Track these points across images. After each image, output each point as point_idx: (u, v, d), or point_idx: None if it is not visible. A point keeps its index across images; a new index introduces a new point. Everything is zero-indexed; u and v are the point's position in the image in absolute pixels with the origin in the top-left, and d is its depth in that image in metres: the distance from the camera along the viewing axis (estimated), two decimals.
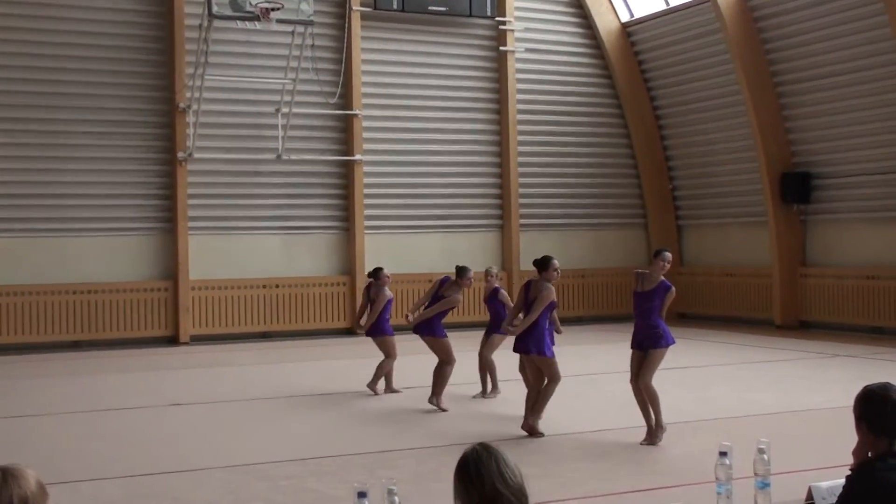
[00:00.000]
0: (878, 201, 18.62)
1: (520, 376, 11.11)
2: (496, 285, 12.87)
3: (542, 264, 10.34)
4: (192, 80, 18.72)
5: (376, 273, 12.88)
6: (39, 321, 18.14)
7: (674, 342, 9.62)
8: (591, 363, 14.94)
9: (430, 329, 11.85)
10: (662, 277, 9.60)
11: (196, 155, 19.02)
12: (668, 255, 9.71)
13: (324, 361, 16.03)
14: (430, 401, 11.44)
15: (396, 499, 3.87)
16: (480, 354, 12.36)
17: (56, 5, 18.36)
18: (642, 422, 10.19)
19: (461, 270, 12.14)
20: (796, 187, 19.53)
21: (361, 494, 3.89)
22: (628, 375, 12.89)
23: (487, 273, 13.12)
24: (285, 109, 19.38)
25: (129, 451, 9.47)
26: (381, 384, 12.62)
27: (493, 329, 12.36)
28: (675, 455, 8.99)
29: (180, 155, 18.91)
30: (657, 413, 9.44)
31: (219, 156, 19.45)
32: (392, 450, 9.32)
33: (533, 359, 9.98)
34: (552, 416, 10.98)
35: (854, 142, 18.83)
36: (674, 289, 9.67)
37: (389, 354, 12.60)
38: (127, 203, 18.94)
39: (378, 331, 12.64)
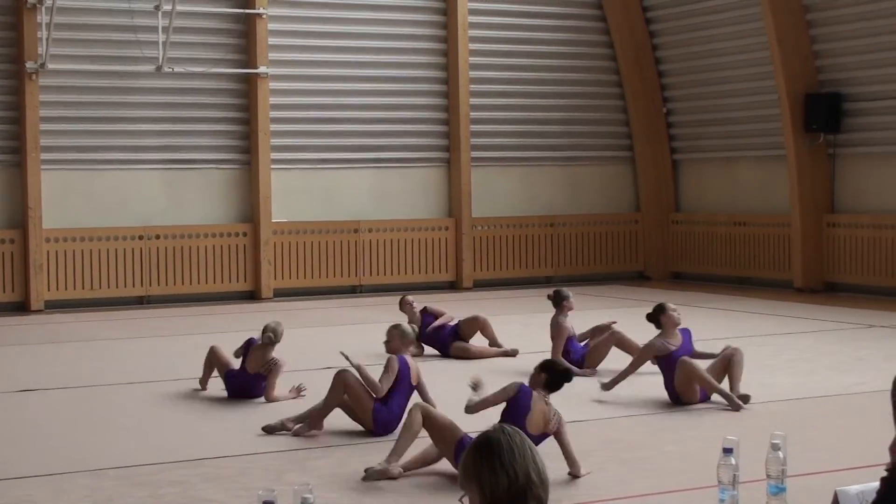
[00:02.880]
0: None
1: None
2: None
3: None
4: None
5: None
6: None
7: None
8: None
9: None
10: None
11: (50, 66, 18.78)
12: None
13: (217, 334, 15.97)
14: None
15: None
16: None
17: None
18: (623, 412, 10.35)
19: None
20: (823, 113, 19.69)
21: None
22: (610, 352, 12.98)
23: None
24: (167, 6, 19.16)
25: None
26: None
27: None
28: (667, 452, 9.11)
29: (30, 66, 18.65)
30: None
31: (81, 67, 19.25)
32: (306, 447, 9.34)
33: None
34: None
35: (895, 56, 18.99)
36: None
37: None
38: None
39: None
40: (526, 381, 8.48)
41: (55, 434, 10.08)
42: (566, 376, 8.58)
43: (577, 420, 10.26)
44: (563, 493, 7.48)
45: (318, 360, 12.97)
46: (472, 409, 8.66)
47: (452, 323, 14.23)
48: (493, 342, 14.15)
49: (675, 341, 11.03)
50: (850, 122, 19.80)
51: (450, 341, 14.07)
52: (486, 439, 3.44)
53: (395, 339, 10.06)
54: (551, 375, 8.50)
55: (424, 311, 14.38)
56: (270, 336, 11.42)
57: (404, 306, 14.57)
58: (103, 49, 19.46)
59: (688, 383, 10.73)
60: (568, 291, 13.45)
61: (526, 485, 3.34)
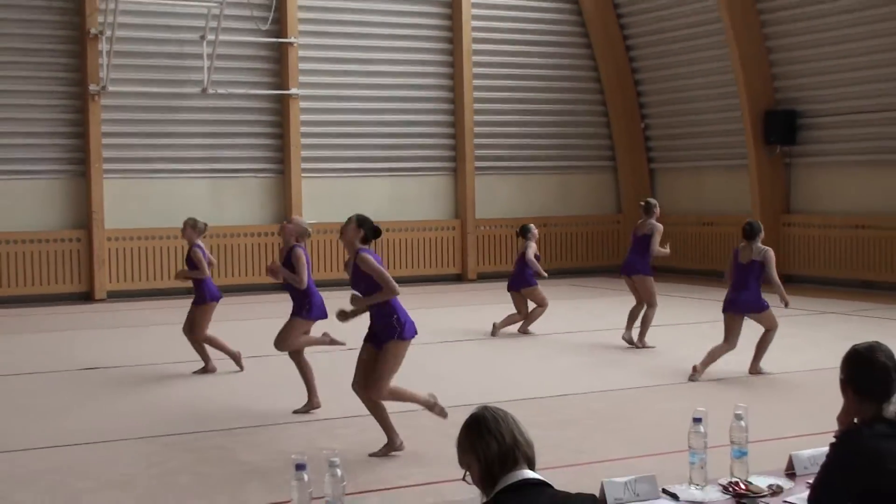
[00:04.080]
0: (869, 142, 18.83)
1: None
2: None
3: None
4: (104, 2, 18.44)
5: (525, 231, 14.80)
6: None
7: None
8: (555, 323, 15.02)
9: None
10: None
11: (110, 88, 18.79)
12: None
13: (256, 321, 15.98)
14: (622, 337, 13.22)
15: (339, 471, 3.90)
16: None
17: None
18: (611, 385, 10.34)
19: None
20: (780, 127, 19.69)
21: (300, 467, 3.91)
22: (596, 335, 13.03)
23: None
24: (211, 37, 19.17)
25: (37, 421, 9.41)
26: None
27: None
28: (645, 422, 9.11)
29: (93, 88, 18.66)
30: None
31: (136, 89, 19.22)
32: (333, 417, 9.35)
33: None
34: (509, 378, 11.09)
35: (845, 77, 18.96)
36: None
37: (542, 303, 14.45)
38: (33, 142, 18.72)
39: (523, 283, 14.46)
40: None
41: (112, 406, 10.10)
42: (378, 232, 8.67)
43: (566, 394, 10.29)
44: (550, 457, 7.48)
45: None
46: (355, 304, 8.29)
47: None
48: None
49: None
50: (804, 135, 19.79)
51: None
52: (472, 417, 3.48)
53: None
54: (368, 229, 8.52)
55: None
56: None
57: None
58: (156, 73, 19.45)
59: None
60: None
61: (514, 445, 3.38)
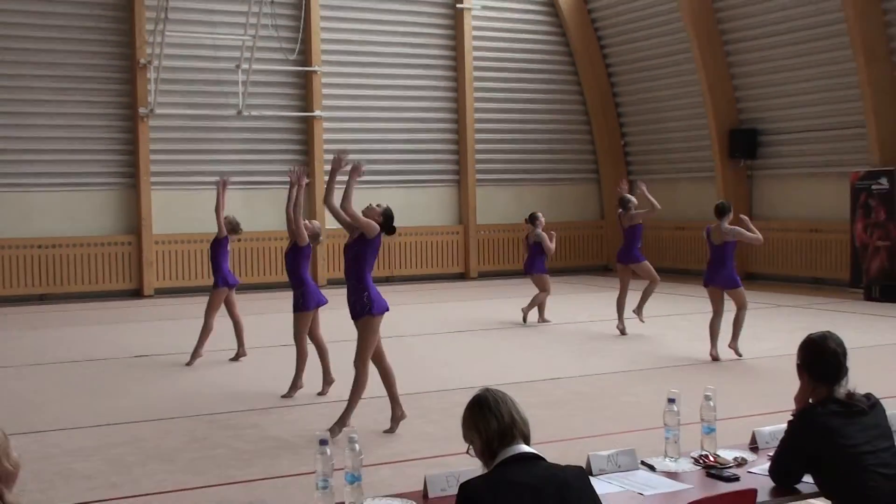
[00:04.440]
0: (820, 157, 18.82)
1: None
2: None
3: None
4: (152, 35, 18.46)
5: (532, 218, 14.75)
6: (5, 275, 17.94)
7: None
8: (546, 314, 14.99)
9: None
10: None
11: (157, 111, 18.81)
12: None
13: (285, 314, 15.97)
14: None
15: (357, 446, 3.90)
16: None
17: None
18: (596, 370, 10.34)
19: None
20: (743, 143, 19.68)
21: (323, 442, 3.92)
22: (582, 326, 13.05)
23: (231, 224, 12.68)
24: (245, 65, 19.18)
25: (94, 402, 9.43)
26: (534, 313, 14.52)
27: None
28: (625, 402, 9.11)
29: (142, 110, 18.68)
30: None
31: (180, 111, 19.23)
32: None
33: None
34: (507, 364, 11.09)
35: (798, 99, 18.97)
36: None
37: (544, 289, 14.50)
38: (90, 158, 18.73)
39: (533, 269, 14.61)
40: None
41: (158, 389, 10.11)
42: (393, 230, 8.46)
43: (557, 377, 10.29)
44: (542, 433, 7.48)
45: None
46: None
47: None
48: None
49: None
50: (764, 150, 19.77)
51: None
52: (475, 398, 3.48)
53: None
54: (387, 223, 8.30)
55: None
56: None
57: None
58: (197, 98, 19.46)
59: None
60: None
61: (511, 423, 3.39)
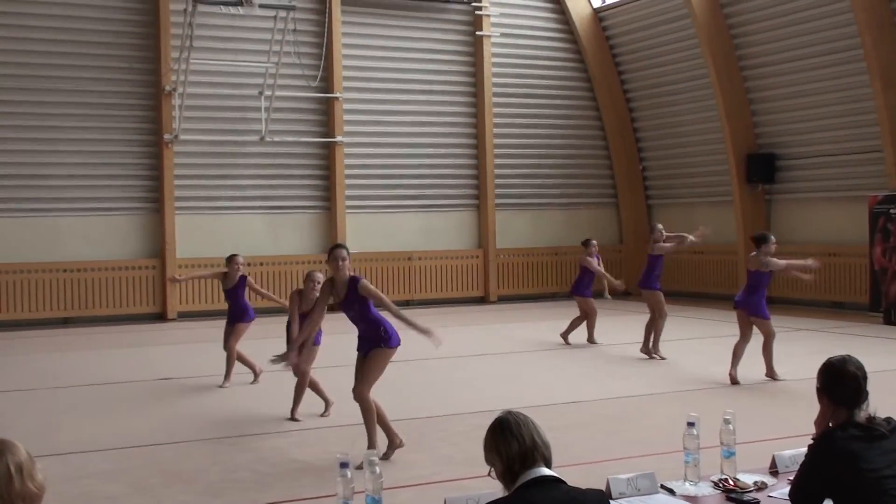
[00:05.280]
0: (838, 181, 18.73)
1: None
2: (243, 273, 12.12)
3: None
4: (177, 63, 18.61)
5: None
6: (31, 299, 18.05)
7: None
8: (594, 335, 14.97)
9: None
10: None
11: (182, 137, 18.93)
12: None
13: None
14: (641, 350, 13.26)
15: (377, 469, 3.89)
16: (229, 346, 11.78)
17: None
18: (615, 393, 10.26)
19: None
20: (761, 168, 19.62)
21: (343, 465, 3.91)
22: (601, 349, 12.99)
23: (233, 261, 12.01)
24: (268, 92, 19.30)
25: (118, 424, 9.44)
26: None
27: (235, 319, 11.82)
28: (645, 426, 9.05)
29: (167, 137, 18.80)
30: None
31: (204, 137, 19.35)
32: None
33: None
34: (527, 387, 11.05)
35: (816, 124, 18.91)
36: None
37: (591, 312, 14.78)
38: (115, 184, 18.85)
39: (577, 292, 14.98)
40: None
41: (182, 411, 10.12)
42: None
43: (577, 401, 10.24)
44: (562, 456, 7.44)
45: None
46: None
47: None
48: None
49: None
50: (782, 175, 19.71)
51: None
52: (497, 421, 3.46)
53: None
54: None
55: None
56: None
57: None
58: (220, 124, 19.58)
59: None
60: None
61: (533, 446, 3.36)
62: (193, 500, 6.82)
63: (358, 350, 8.04)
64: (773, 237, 11.67)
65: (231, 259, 11.91)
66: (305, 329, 8.43)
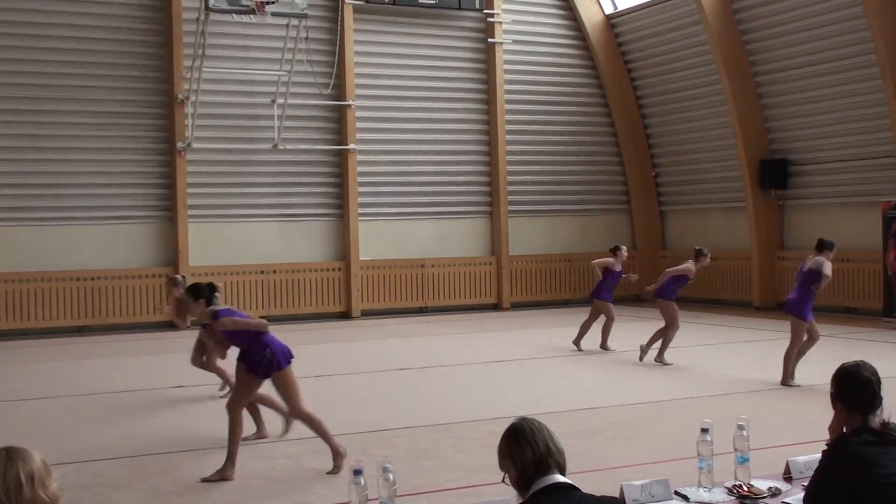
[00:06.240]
0: (851, 186, 18.68)
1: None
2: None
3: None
4: (190, 72, 18.67)
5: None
6: (44, 307, 18.11)
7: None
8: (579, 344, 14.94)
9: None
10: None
11: (195, 145, 18.99)
12: None
13: (319, 344, 16.03)
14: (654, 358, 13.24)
15: (391, 476, 3.89)
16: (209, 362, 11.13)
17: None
18: (629, 400, 10.24)
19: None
20: (774, 174, 19.58)
21: (357, 472, 3.91)
22: (615, 355, 12.94)
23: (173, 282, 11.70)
24: (281, 100, 19.35)
25: (132, 432, 9.47)
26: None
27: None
28: (659, 432, 9.03)
29: (179, 145, 18.87)
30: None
31: (217, 146, 19.41)
32: (386, 429, 9.34)
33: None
34: (541, 393, 11.04)
35: (828, 129, 18.87)
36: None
37: (609, 318, 14.69)
38: (128, 192, 18.92)
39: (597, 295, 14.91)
40: None
41: (195, 419, 10.11)
42: (213, 288, 8.16)
43: (591, 407, 10.22)
44: (575, 462, 7.42)
45: (389, 363, 12.97)
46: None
47: None
48: None
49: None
50: (795, 180, 19.65)
51: None
52: (511, 427, 3.46)
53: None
54: (206, 296, 8.02)
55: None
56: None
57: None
58: (233, 132, 19.64)
59: None
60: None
61: (547, 453, 3.36)
62: None
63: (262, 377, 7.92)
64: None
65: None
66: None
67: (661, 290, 13.74)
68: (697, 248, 14.01)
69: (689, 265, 13.65)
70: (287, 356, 7.85)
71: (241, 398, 7.94)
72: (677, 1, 20.81)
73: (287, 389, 7.86)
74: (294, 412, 7.93)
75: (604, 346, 14.70)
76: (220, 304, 8.21)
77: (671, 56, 21.63)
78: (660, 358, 13.23)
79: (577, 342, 14.78)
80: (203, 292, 7.99)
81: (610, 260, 14.94)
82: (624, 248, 15.27)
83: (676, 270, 13.76)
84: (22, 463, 2.71)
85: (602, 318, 14.83)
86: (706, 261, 13.72)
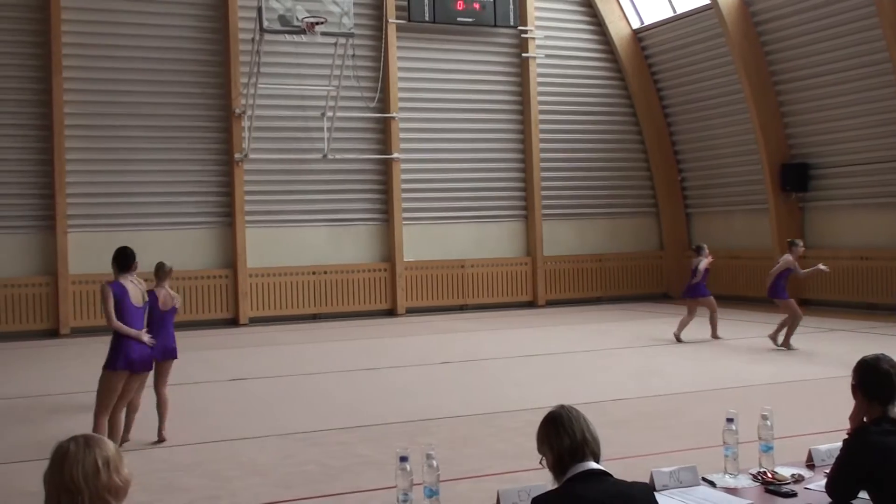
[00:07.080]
0: (869, 188, 18.42)
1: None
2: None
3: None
4: (246, 88, 18.83)
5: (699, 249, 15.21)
6: (98, 308, 18.26)
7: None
8: (610, 339, 14.88)
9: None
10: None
11: (251, 156, 19.14)
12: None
13: (367, 340, 16.09)
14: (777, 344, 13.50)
15: (434, 462, 3.90)
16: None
17: (127, 24, 18.51)
18: (654, 392, 10.17)
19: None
20: (795, 177, 19.35)
21: (403, 458, 3.92)
22: (643, 350, 12.86)
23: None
24: (330, 113, 19.46)
25: (196, 421, 9.56)
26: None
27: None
28: (686, 422, 8.96)
29: (237, 156, 19.02)
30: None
31: (271, 156, 19.54)
32: (430, 418, 9.34)
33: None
34: (574, 385, 11.00)
35: (847, 134, 18.62)
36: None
37: (712, 310, 14.84)
38: (190, 200, 19.10)
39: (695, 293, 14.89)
40: None
41: (253, 408, 10.21)
42: (129, 258, 8.30)
43: (621, 398, 10.17)
44: (606, 450, 7.38)
45: (433, 357, 12.97)
46: None
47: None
48: None
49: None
50: (815, 183, 19.42)
51: None
52: (551, 415, 3.43)
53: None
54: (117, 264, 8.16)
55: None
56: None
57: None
58: (286, 143, 19.75)
59: None
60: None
61: (583, 441, 3.34)
62: (266, 492, 6.88)
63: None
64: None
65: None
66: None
67: (773, 292, 13.79)
68: (789, 240, 14.38)
69: (787, 257, 13.73)
70: (125, 363, 7.69)
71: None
72: (700, 15, 20.66)
73: (98, 392, 7.85)
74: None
75: (714, 335, 14.83)
76: None
77: (695, 67, 21.46)
78: (714, 334, 14.31)
79: (713, 335, 14.82)
80: None
81: (703, 259, 14.99)
82: (705, 246, 15.47)
83: (778, 268, 13.80)
84: (99, 449, 2.75)
85: (702, 312, 15.03)
86: (800, 249, 13.88)
